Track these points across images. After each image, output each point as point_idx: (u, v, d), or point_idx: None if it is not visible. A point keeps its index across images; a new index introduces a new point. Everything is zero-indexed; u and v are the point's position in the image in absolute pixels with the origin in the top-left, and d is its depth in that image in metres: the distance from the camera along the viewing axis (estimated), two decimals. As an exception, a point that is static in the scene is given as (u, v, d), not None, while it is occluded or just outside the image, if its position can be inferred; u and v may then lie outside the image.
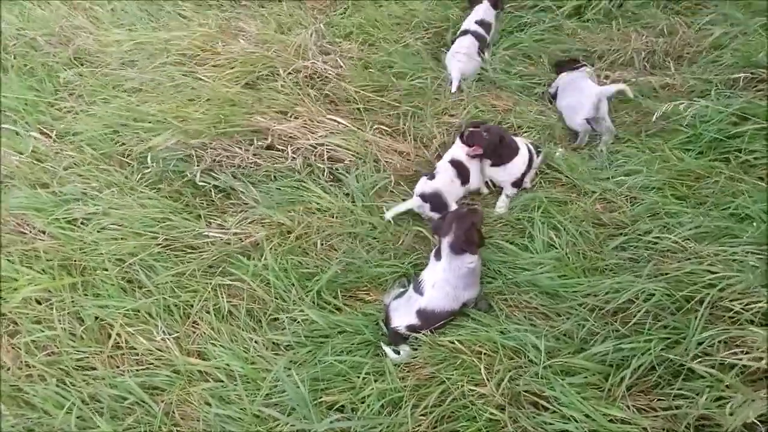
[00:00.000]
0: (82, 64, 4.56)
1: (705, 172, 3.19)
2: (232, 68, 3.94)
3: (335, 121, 3.56)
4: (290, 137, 3.45)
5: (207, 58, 4.08)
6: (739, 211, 2.83)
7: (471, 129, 3.24)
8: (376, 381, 2.50)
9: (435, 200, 3.16)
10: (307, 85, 3.87)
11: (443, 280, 2.57)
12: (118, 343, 2.79)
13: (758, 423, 2.11)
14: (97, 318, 2.87)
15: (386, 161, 3.49)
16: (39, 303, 2.95)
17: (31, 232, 3.25)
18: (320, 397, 2.50)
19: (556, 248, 2.91)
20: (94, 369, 2.70)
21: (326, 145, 3.44)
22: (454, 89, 3.93)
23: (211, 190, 3.38)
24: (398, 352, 2.63)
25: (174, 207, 3.27)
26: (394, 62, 4.08)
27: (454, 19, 4.58)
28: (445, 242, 2.55)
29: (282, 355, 2.68)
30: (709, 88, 3.63)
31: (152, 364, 2.71)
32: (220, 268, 3.02)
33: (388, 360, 2.59)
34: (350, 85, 3.88)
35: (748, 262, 2.53)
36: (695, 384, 2.28)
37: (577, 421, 2.26)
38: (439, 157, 3.57)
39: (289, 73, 3.87)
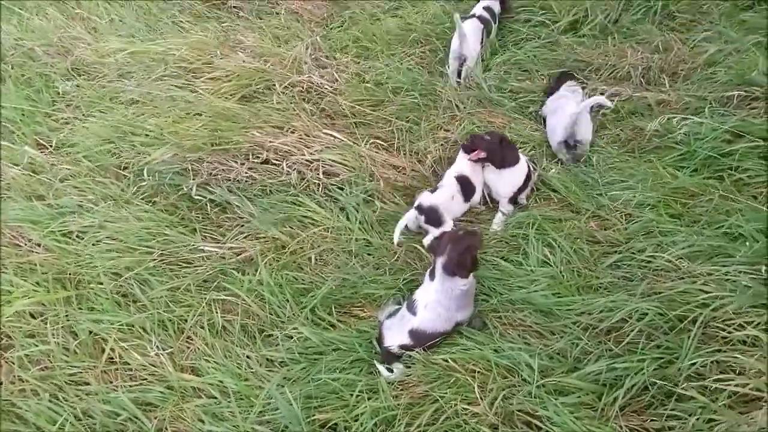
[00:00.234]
0: (80, 75, 4.58)
1: (699, 190, 3.20)
2: (229, 81, 3.96)
3: (331, 135, 3.56)
4: (286, 152, 3.45)
5: (204, 70, 4.10)
6: (733, 231, 2.83)
7: (472, 135, 3.29)
8: (369, 399, 2.50)
9: (431, 214, 3.16)
10: (303, 99, 3.89)
11: (436, 301, 2.57)
12: (112, 358, 2.78)
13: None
14: (91, 332, 2.86)
15: (381, 176, 3.49)
16: (33, 317, 2.95)
17: (26, 244, 3.26)
18: (313, 415, 2.49)
19: (551, 266, 2.91)
20: (88, 384, 2.69)
21: (321, 160, 3.44)
22: (472, 66, 4.10)
23: (206, 204, 3.38)
24: (391, 370, 2.63)
25: (169, 221, 3.27)
26: (390, 76, 4.10)
27: (450, 35, 4.60)
28: (439, 263, 2.55)
29: (276, 371, 2.68)
30: (704, 106, 3.65)
31: (146, 379, 2.70)
32: (215, 283, 3.03)
33: (382, 378, 2.59)
34: (346, 99, 3.90)
35: (740, 281, 2.54)
36: (688, 405, 2.28)
37: (570, 442, 2.27)
38: (435, 172, 3.59)
39: (286, 87, 3.88)
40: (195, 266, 3.10)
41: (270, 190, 3.41)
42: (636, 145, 3.58)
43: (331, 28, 4.90)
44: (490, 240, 3.20)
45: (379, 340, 2.68)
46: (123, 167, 3.64)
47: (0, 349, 2.80)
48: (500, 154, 3.24)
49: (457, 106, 3.90)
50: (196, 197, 3.38)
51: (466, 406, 2.42)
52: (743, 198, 3.11)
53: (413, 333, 2.59)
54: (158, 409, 2.60)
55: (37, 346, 2.81)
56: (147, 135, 3.66)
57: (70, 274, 3.11)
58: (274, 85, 3.89)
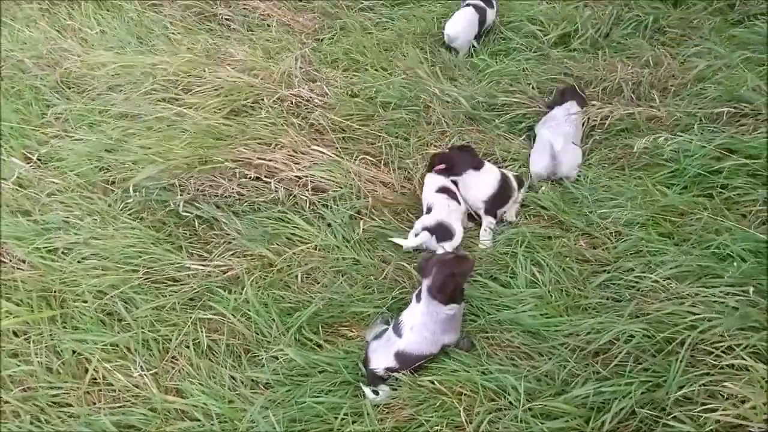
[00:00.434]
0: (69, 87, 4.55)
1: (688, 208, 3.19)
2: (218, 96, 3.93)
3: (319, 151, 3.55)
4: (274, 168, 3.43)
5: (192, 84, 4.07)
6: (721, 251, 2.82)
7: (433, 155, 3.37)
8: (354, 423, 2.48)
9: (440, 230, 3.15)
10: (292, 114, 3.87)
11: (421, 323, 2.54)
12: (95, 378, 2.74)
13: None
14: (74, 352, 2.82)
15: (370, 192, 3.47)
16: (16, 335, 2.91)
17: (11, 261, 3.22)
18: (297, 439, 2.47)
19: (539, 286, 2.89)
20: (70, 406, 2.66)
21: (310, 177, 3.42)
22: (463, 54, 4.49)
23: (194, 221, 3.36)
24: (377, 393, 2.60)
25: (156, 237, 3.24)
26: (379, 90, 4.09)
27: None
28: (425, 285, 2.53)
29: (260, 393, 2.65)
30: (693, 122, 3.65)
31: (129, 401, 2.67)
32: (201, 301, 3.00)
33: (367, 401, 2.56)
34: (335, 114, 3.89)
35: (728, 303, 2.53)
36: (675, 430, 2.26)
37: (556, 468, 2.24)
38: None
39: (274, 101, 3.86)
40: (181, 284, 3.07)
41: (258, 207, 3.38)
42: (626, 163, 3.58)
43: (322, 40, 4.89)
44: (479, 258, 3.18)
45: (365, 362, 2.66)
46: (111, 182, 3.61)
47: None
48: (456, 159, 3.31)
49: (446, 122, 3.88)
50: (184, 213, 3.35)
51: (451, 431, 2.39)
52: (732, 216, 3.10)
53: (399, 355, 2.57)
54: (141, 432, 2.56)
55: (19, 366, 2.77)
56: (134, 150, 3.62)
57: (55, 291, 3.07)
58: (263, 99, 3.87)
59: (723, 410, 2.19)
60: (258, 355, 2.82)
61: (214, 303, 2.94)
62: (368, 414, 2.49)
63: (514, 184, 3.44)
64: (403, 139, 3.85)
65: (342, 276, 3.13)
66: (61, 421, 2.61)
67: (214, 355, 2.86)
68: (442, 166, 3.31)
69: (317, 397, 2.58)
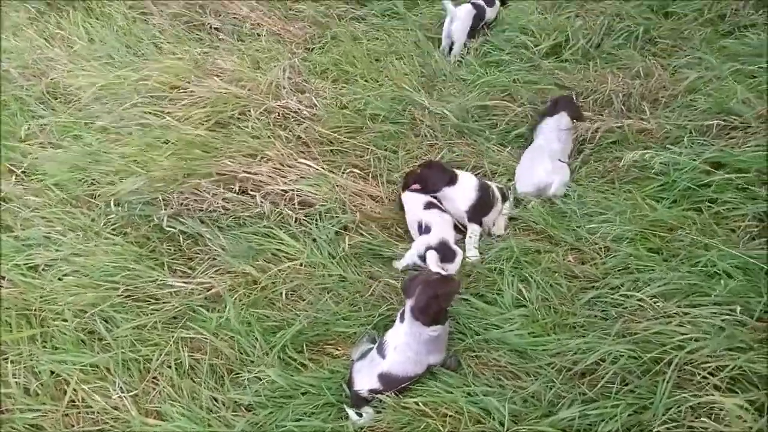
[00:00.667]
0: (56, 98, 4.52)
1: (678, 223, 3.15)
2: (204, 107, 3.89)
3: (306, 165, 3.51)
4: (259, 182, 3.39)
5: (179, 96, 4.03)
6: (709, 268, 2.79)
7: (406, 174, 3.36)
8: (337, 446, 2.43)
9: (443, 250, 3.11)
10: (280, 126, 3.83)
11: (405, 344, 2.50)
12: (74, 400, 2.69)
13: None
14: (53, 373, 2.77)
15: (358, 206, 3.43)
16: (-5, 355, 2.86)
17: (-10, 278, 3.17)
18: (278, 464, 2.42)
19: (526, 304, 2.85)
20: (45, 430, 2.60)
21: (296, 191, 3.38)
22: (456, 52, 4.63)
23: (178, 236, 3.31)
24: (361, 415, 2.55)
25: (139, 254, 3.19)
26: (368, 102, 4.05)
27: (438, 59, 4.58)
28: (408, 305, 2.49)
29: (242, 416, 2.60)
30: (683, 135, 3.62)
31: (107, 423, 2.62)
32: (184, 320, 2.95)
33: (351, 423, 2.52)
34: (323, 126, 3.85)
35: (715, 323, 2.49)
36: (662, 455, 2.23)
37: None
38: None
39: (261, 113, 3.82)
40: (163, 302, 3.02)
41: (243, 222, 3.34)
42: (615, 176, 3.54)
43: (312, 50, 4.85)
44: (467, 275, 3.14)
45: (349, 383, 2.61)
46: (95, 196, 3.56)
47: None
48: (429, 177, 3.28)
49: (435, 134, 3.85)
50: (168, 228, 3.30)
51: (436, 455, 2.35)
52: (721, 231, 3.07)
53: (383, 377, 2.52)
54: (119, 456, 2.51)
55: (-3, 387, 2.72)
56: (118, 163, 3.58)
57: (35, 310, 3.03)
58: (250, 111, 3.83)
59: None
60: (241, 375, 2.78)
61: (196, 324, 2.88)
62: (351, 437, 2.44)
63: (497, 193, 3.41)
64: (392, 151, 3.81)
65: (328, 293, 3.08)
66: (38, 445, 2.55)
67: (196, 374, 2.81)
68: (417, 186, 3.29)
69: (299, 420, 2.53)
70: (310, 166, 3.52)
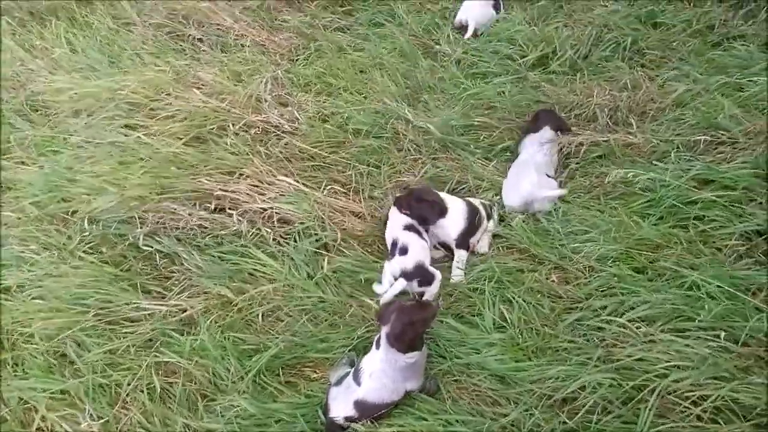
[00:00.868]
0: (36, 110, 4.45)
1: (664, 241, 3.10)
2: (182, 121, 3.81)
3: (286, 182, 3.44)
4: (237, 200, 3.32)
5: (159, 107, 3.96)
6: (694, 292, 2.73)
7: (398, 197, 3.23)
8: (309, 478, 2.36)
9: (420, 272, 3.03)
10: (260, 141, 3.76)
11: (380, 371, 2.44)
12: (42, 429, 2.62)
13: None
14: (21, 399, 2.70)
15: (339, 224, 3.37)
16: (-36, 381, 2.79)
17: (-38, 300, 3.09)
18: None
19: (507, 327, 2.79)
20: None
21: (275, 208, 3.31)
22: (469, 35, 4.76)
23: (155, 254, 3.24)
24: (336, 443, 2.49)
25: (113, 274, 3.12)
26: (351, 116, 3.99)
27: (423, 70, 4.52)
28: (383, 332, 2.42)
29: (214, 445, 2.53)
30: (670, 150, 3.57)
31: (76, 452, 2.55)
32: (158, 343, 2.88)
33: (325, 453, 2.45)
34: (305, 141, 3.79)
35: (699, 351, 2.43)
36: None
37: None
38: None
39: (241, 127, 3.75)
40: (138, 324, 2.95)
41: (220, 241, 3.27)
42: (601, 192, 3.48)
43: (297, 61, 4.78)
44: (449, 295, 3.08)
45: (325, 409, 2.55)
46: (70, 213, 3.48)
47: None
48: (423, 212, 3.19)
49: (419, 149, 3.79)
50: (144, 247, 3.23)
51: (411, 488, 2.28)
52: (708, 250, 3.02)
53: (358, 404, 2.46)
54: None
55: (-36, 415, 2.65)
56: (91, 180, 3.50)
57: (7, 332, 2.95)
58: (229, 126, 3.76)
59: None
60: (216, 399, 2.71)
61: (170, 348, 2.81)
62: (325, 468, 2.37)
63: (483, 213, 3.34)
64: (375, 166, 3.74)
65: (306, 314, 3.02)
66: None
67: (170, 399, 2.74)
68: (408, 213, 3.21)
69: (272, 451, 2.46)
70: (289, 183, 3.44)
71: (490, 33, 4.88)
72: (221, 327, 2.91)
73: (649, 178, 3.36)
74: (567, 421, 2.39)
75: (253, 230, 3.27)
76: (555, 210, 3.41)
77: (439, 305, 2.96)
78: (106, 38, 5.08)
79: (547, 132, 3.65)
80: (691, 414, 2.29)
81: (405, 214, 3.20)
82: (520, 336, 2.77)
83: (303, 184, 3.52)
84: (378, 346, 2.48)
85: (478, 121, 3.99)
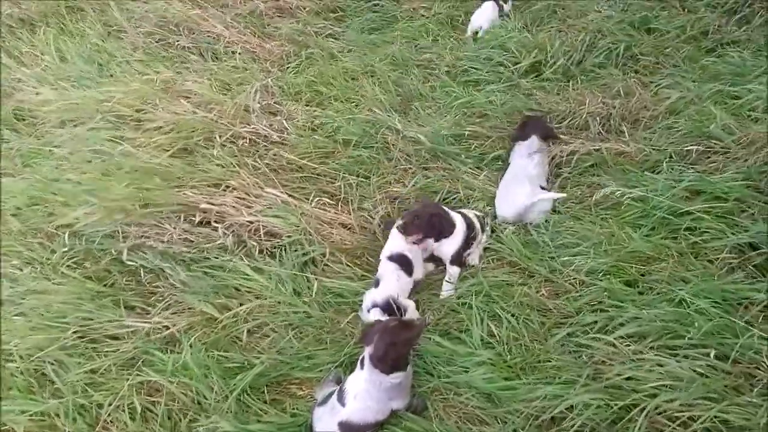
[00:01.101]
0: (23, 119, 4.41)
1: (655, 253, 3.05)
2: (169, 133, 3.77)
3: (273, 194, 3.39)
4: (223, 213, 3.27)
5: (144, 121, 3.91)
6: (684, 308, 2.68)
7: (404, 221, 3.05)
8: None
9: (389, 308, 2.93)
10: (247, 153, 3.71)
11: (365, 391, 2.39)
12: (21, 451, 2.57)
13: None
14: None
15: (327, 236, 3.32)
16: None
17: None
18: None
19: (495, 344, 2.74)
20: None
21: (262, 222, 3.26)
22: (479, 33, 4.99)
23: (139, 269, 3.19)
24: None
25: (96, 290, 3.07)
26: (340, 126, 3.94)
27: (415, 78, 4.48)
28: (367, 352, 2.38)
29: (196, 468, 2.48)
30: (662, 159, 3.53)
31: (54, 476, 2.50)
32: (140, 362, 2.83)
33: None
34: (293, 152, 3.74)
35: (688, 370, 2.39)
36: None
37: None
38: (384, 230, 3.42)
39: (228, 138, 3.71)
40: (121, 341, 2.90)
41: (205, 255, 3.22)
42: (592, 203, 3.43)
43: (287, 68, 4.74)
44: (437, 309, 3.03)
45: (309, 431, 2.50)
46: (54, 227, 3.43)
47: None
48: (436, 228, 3.09)
49: (409, 159, 3.74)
50: (128, 262, 3.18)
51: None
52: (699, 263, 2.97)
53: (343, 425, 2.41)
54: None
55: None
56: (78, 193, 3.45)
57: (-12, 351, 2.90)
58: (216, 137, 3.71)
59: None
60: (198, 420, 2.66)
61: (153, 367, 2.76)
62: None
63: (478, 226, 3.30)
64: (364, 177, 3.70)
65: (292, 330, 2.97)
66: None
67: (152, 419, 2.69)
68: (420, 235, 3.06)
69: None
70: (277, 195, 3.39)
71: (483, 39, 4.84)
72: (205, 344, 2.86)
73: (640, 190, 3.32)
74: (554, 442, 2.34)
75: (240, 244, 3.22)
76: (546, 221, 3.36)
77: (426, 322, 2.92)
78: (95, 46, 5.04)
79: (535, 141, 3.60)
80: (681, 435, 2.24)
81: (415, 242, 3.08)
82: (508, 353, 2.73)
83: (291, 196, 3.47)
84: (362, 367, 2.43)
85: (469, 131, 3.95)
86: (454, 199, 3.62)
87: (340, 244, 3.34)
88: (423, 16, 5.35)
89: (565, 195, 3.45)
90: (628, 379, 2.45)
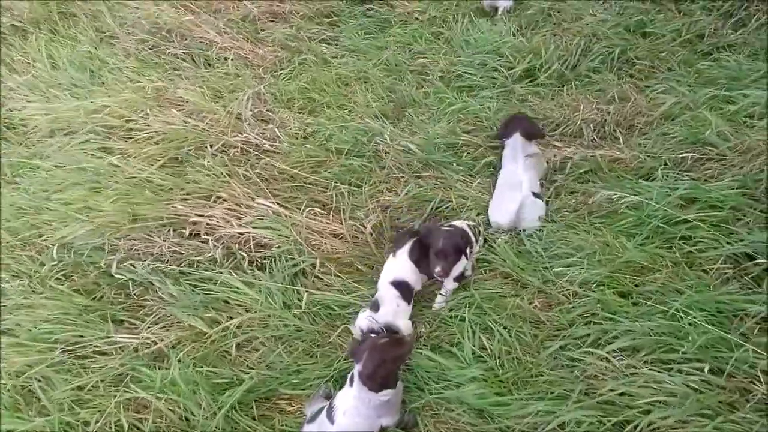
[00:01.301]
0: (13, 128, 4.37)
1: (649, 263, 3.02)
2: (159, 143, 3.73)
3: (264, 205, 3.35)
4: (213, 225, 3.24)
5: (135, 131, 3.87)
6: (678, 322, 2.64)
7: (441, 268, 2.94)
8: None
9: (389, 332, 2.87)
10: (238, 162, 3.67)
11: (354, 408, 2.36)
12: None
13: None
14: (-15, 440, 2.63)
15: (318, 247, 3.29)
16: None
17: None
18: None
19: (486, 359, 2.71)
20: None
21: (252, 233, 3.23)
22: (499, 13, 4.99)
23: (128, 282, 3.16)
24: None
25: (84, 305, 3.04)
26: (333, 134, 3.90)
27: (408, 84, 4.44)
28: (356, 370, 2.34)
29: (183, 487, 2.45)
30: (657, 166, 3.49)
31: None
32: (128, 378, 2.80)
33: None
34: (285, 161, 3.70)
35: (683, 385, 2.35)
36: None
37: None
38: (376, 240, 3.39)
39: (219, 148, 3.67)
40: (108, 357, 2.87)
41: (195, 268, 3.18)
42: (586, 211, 3.39)
43: (280, 75, 4.69)
44: (428, 322, 3.00)
45: (297, 448, 2.47)
46: (43, 239, 3.40)
47: None
48: (463, 251, 3.02)
49: (401, 167, 3.70)
50: (117, 275, 3.15)
51: None
52: (693, 273, 2.93)
53: (331, 443, 2.38)
54: None
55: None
56: (63, 206, 3.42)
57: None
58: (207, 147, 3.67)
59: None
60: (186, 437, 2.63)
61: (140, 384, 2.72)
62: None
63: (473, 239, 3.25)
64: (356, 186, 3.66)
65: (282, 344, 2.94)
66: None
67: (140, 436, 2.66)
68: (441, 271, 2.95)
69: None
70: (267, 206, 3.35)
71: (477, 44, 4.79)
72: (194, 360, 2.83)
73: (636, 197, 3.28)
74: (546, 460, 2.31)
75: (230, 256, 3.18)
76: (539, 231, 3.32)
77: (417, 335, 2.89)
78: (87, 53, 5.00)
79: (518, 139, 3.55)
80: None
81: (439, 276, 2.98)
82: (500, 367, 2.70)
83: (282, 205, 3.43)
84: (351, 383, 2.40)
85: (463, 139, 3.91)
86: (447, 207, 3.58)
87: (331, 254, 3.31)
88: (417, 20, 5.29)
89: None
90: (621, 394, 2.41)
